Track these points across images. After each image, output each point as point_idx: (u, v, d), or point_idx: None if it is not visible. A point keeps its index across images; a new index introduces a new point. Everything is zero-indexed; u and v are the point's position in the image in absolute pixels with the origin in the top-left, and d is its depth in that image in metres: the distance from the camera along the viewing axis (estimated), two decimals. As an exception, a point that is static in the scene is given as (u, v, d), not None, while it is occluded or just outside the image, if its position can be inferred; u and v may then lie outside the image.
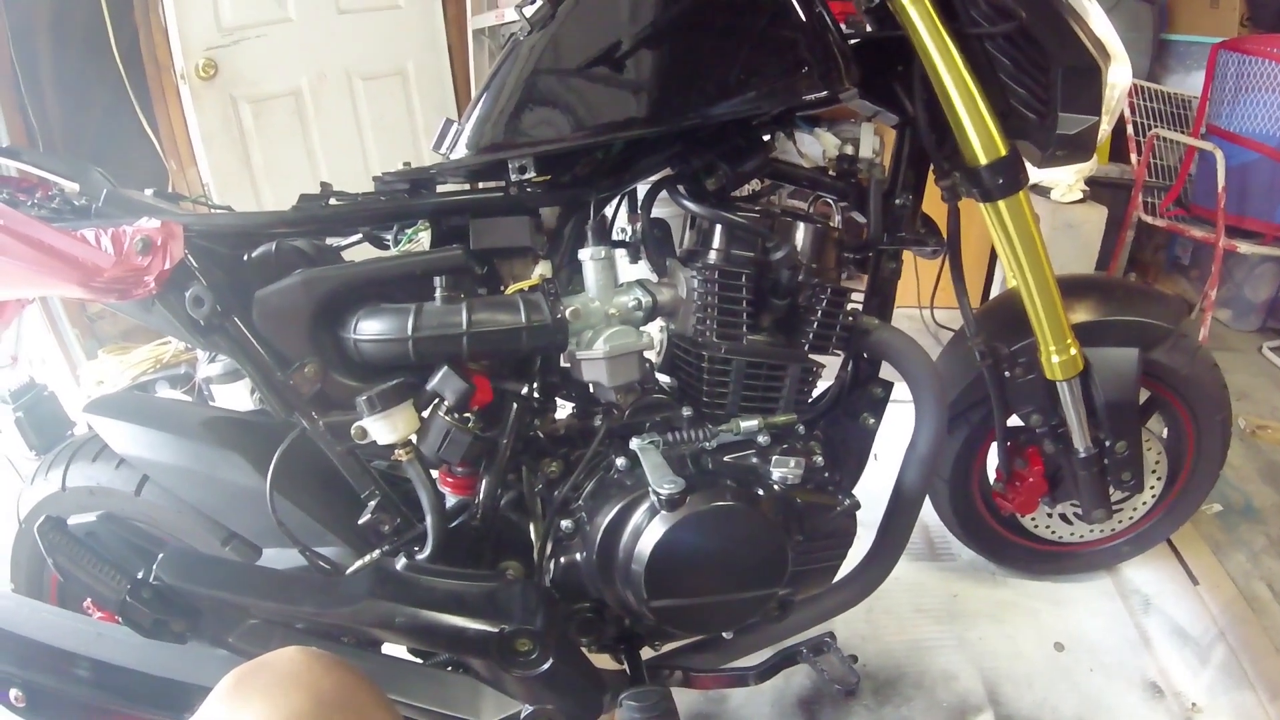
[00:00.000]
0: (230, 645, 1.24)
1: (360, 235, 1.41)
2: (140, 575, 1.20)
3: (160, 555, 1.21)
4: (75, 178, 1.39)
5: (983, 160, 1.36)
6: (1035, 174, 1.44)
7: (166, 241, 1.16)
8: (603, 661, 1.45)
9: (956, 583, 2.14)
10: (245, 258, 1.28)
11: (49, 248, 1.14)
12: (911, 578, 2.14)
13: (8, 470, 2.08)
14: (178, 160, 3.32)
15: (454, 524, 1.35)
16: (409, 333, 1.22)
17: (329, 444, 1.28)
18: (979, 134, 1.34)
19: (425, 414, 1.27)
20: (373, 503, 1.31)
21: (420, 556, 1.30)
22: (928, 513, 1.87)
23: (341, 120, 3.56)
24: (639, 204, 1.46)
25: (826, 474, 1.42)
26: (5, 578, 1.58)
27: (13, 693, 1.25)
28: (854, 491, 1.46)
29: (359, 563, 1.30)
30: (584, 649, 1.43)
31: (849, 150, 1.45)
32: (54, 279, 1.15)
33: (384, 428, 1.22)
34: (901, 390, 1.51)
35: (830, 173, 1.48)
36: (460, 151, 1.31)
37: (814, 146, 1.45)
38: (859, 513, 1.45)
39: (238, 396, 2.18)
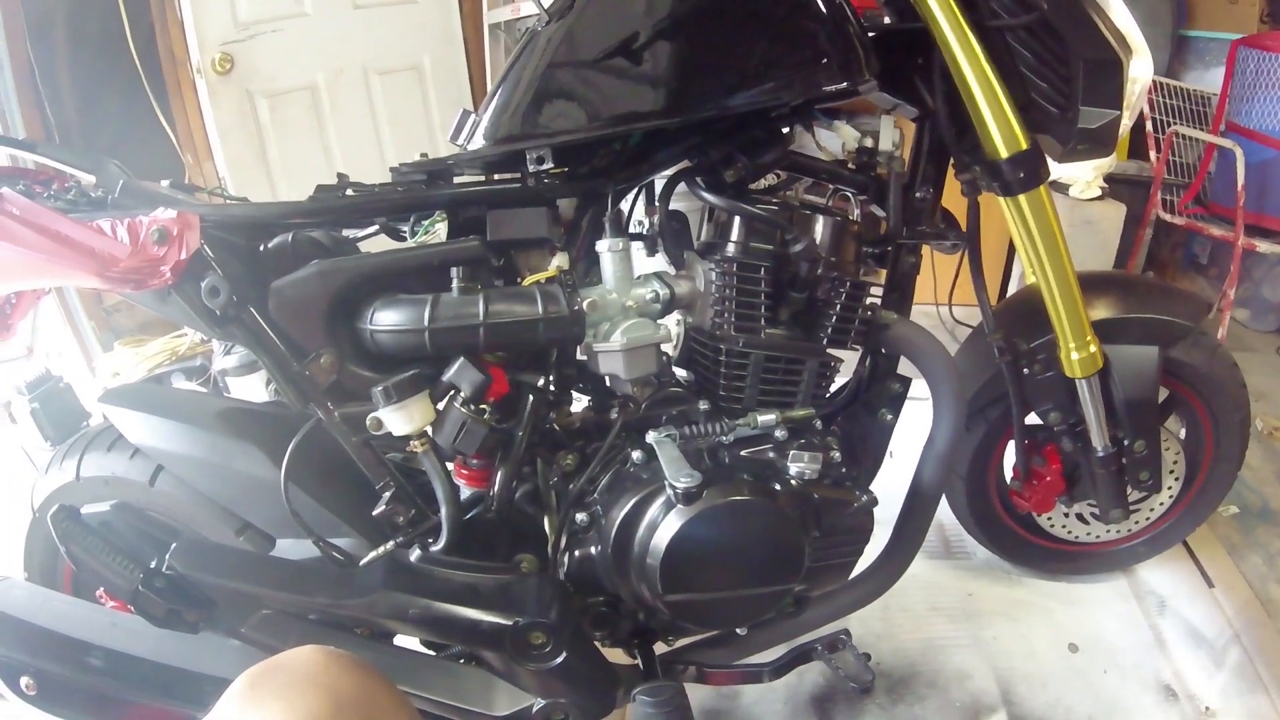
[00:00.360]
0: (243, 635, 1.25)
1: (377, 226, 1.40)
2: (153, 565, 1.21)
3: (174, 545, 1.22)
4: (91, 170, 1.39)
5: (1003, 153, 1.34)
6: (1054, 170, 1.43)
7: (182, 232, 1.16)
8: (616, 656, 1.45)
9: (972, 582, 2.13)
10: (261, 248, 1.28)
11: (65, 238, 1.14)
12: (927, 576, 2.12)
13: (23, 460, 2.09)
14: (194, 154, 3.33)
15: (469, 516, 1.34)
16: (425, 324, 1.22)
17: (344, 435, 1.28)
18: (999, 127, 1.33)
19: (441, 405, 1.26)
20: (387, 494, 1.30)
21: (435, 548, 1.30)
22: (944, 511, 1.86)
23: (357, 115, 3.56)
24: (656, 196, 1.46)
25: (843, 470, 1.41)
26: (19, 567, 1.59)
27: (24, 681, 1.26)
28: (871, 488, 1.45)
29: (373, 554, 1.30)
30: (598, 643, 1.42)
31: (868, 143, 1.44)
32: (70, 269, 1.15)
33: (399, 419, 1.22)
34: (919, 387, 1.50)
35: (849, 166, 1.47)
36: (477, 142, 1.31)
37: (833, 139, 1.44)
38: (875, 509, 1.44)
39: (253, 389, 2.18)
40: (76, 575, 1.57)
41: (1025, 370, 1.66)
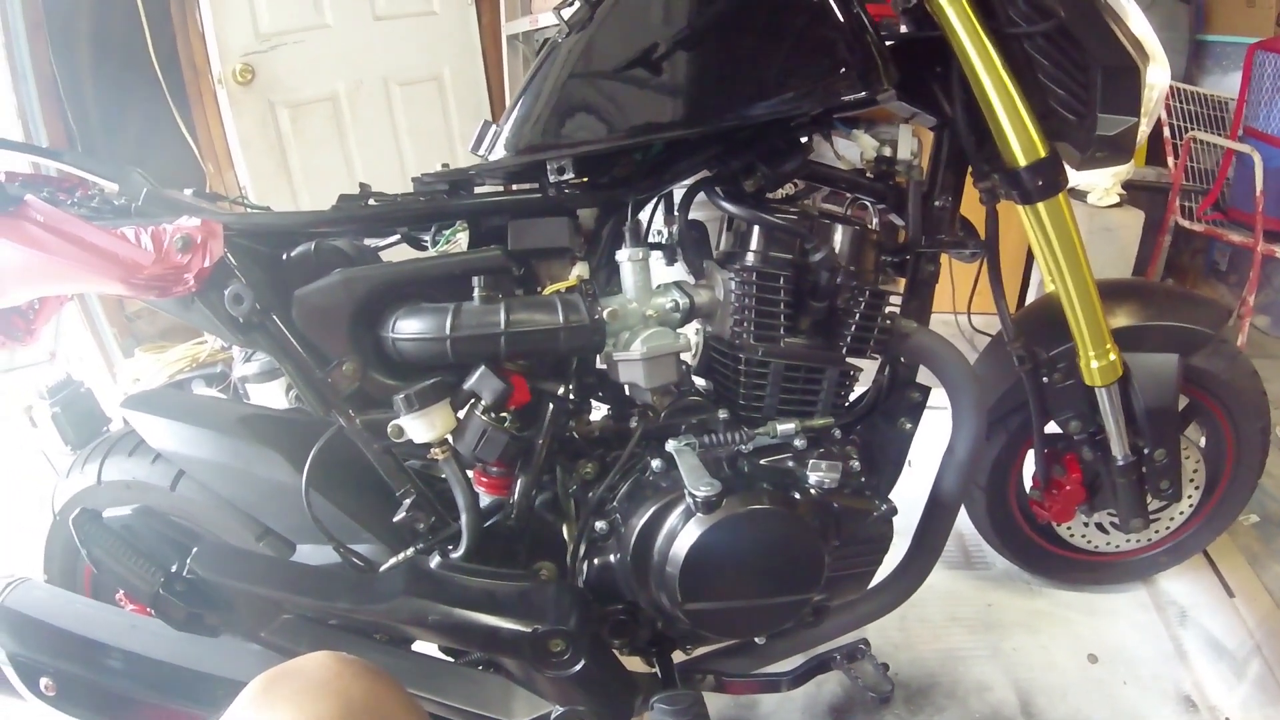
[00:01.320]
0: (262, 640, 1.25)
1: (398, 236, 1.41)
2: (174, 568, 1.21)
3: (195, 549, 1.23)
4: (115, 178, 1.40)
5: (1022, 162, 1.35)
6: (1072, 178, 1.42)
7: (206, 239, 1.17)
8: (635, 664, 1.44)
9: (991, 592, 2.12)
10: (285, 257, 1.29)
11: (90, 245, 1.15)
12: (946, 586, 2.12)
13: (44, 464, 2.11)
14: (215, 163, 3.36)
15: (488, 523, 1.35)
16: (447, 332, 1.22)
17: (365, 442, 1.28)
18: (1018, 135, 1.33)
19: (462, 413, 1.27)
20: (408, 501, 1.31)
21: (454, 555, 1.31)
22: (963, 520, 1.85)
23: (378, 126, 3.58)
24: (676, 205, 1.46)
25: (863, 479, 1.41)
26: (39, 569, 1.60)
27: (43, 682, 1.27)
28: (890, 497, 1.44)
29: (393, 560, 1.30)
30: (616, 651, 1.42)
31: (887, 152, 1.44)
32: (95, 276, 1.16)
33: (421, 426, 1.22)
34: (939, 395, 1.50)
35: (868, 175, 1.47)
36: (499, 153, 1.32)
37: (852, 148, 1.44)
38: (895, 519, 1.43)
39: (273, 396, 2.19)
40: (96, 578, 1.58)
41: (1045, 379, 1.65)
